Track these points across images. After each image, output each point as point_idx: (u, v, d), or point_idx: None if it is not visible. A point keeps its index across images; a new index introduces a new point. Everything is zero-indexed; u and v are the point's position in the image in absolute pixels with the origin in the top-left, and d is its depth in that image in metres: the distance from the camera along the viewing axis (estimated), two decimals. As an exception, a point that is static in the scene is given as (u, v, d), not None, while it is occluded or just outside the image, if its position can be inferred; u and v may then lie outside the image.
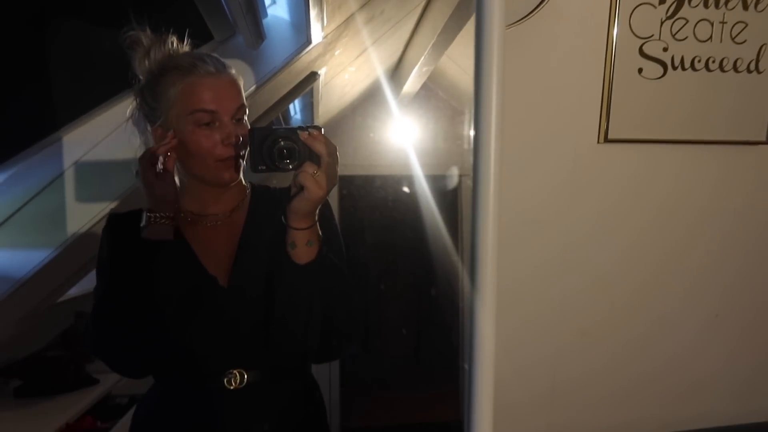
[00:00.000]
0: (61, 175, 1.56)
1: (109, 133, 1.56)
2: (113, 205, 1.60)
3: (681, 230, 1.39)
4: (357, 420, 3.69)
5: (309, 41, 1.71)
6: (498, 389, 1.33)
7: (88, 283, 1.90)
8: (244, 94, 1.08)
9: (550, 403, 1.36)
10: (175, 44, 1.07)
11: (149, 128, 1.08)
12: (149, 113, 1.07)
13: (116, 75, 1.52)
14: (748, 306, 1.47)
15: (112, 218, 1.12)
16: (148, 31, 1.06)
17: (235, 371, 1.06)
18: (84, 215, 1.59)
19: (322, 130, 0.96)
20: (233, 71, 1.06)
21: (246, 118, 1.07)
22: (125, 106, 1.52)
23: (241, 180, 1.11)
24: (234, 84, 1.05)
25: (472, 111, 0.61)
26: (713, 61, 1.29)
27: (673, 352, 1.43)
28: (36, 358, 1.99)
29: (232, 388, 1.06)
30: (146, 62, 1.05)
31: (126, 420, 1.86)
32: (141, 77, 1.07)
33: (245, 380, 1.06)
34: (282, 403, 1.11)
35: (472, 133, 0.61)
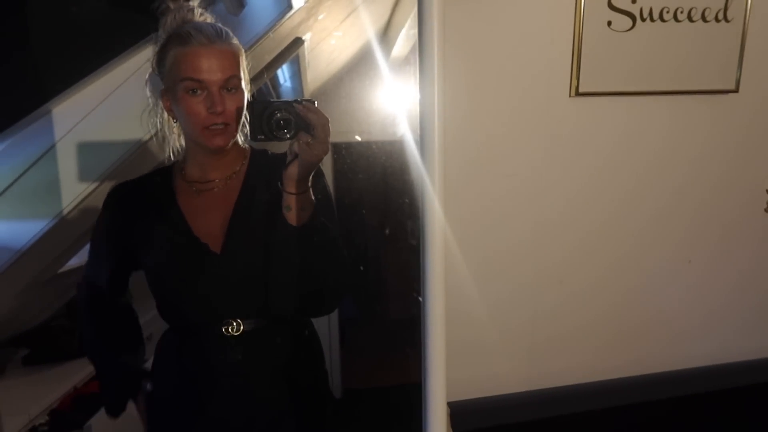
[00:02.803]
0: (53, 147, 1.59)
1: (99, 103, 1.59)
2: (107, 174, 1.63)
3: (652, 177, 1.43)
4: (359, 382, 3.77)
5: (290, 6, 1.72)
6: (477, 347, 1.39)
7: (87, 254, 1.94)
8: (242, 65, 1.14)
9: (528, 344, 1.42)
10: (193, 12, 1.15)
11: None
12: (159, 75, 1.15)
13: (103, 45, 1.54)
14: (714, 248, 1.52)
15: (114, 191, 1.22)
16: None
17: (232, 321, 1.16)
18: (79, 185, 1.63)
19: (316, 103, 1.05)
20: (233, 42, 1.13)
21: (244, 87, 1.14)
22: (114, 77, 1.57)
23: (239, 145, 1.17)
24: (227, 55, 1.11)
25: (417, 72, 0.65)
26: (681, 12, 1.31)
27: (640, 291, 1.49)
28: (42, 327, 2.06)
29: (229, 335, 1.15)
30: (166, 26, 1.13)
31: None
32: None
33: (242, 328, 1.16)
34: (278, 348, 1.21)
35: (418, 97, 0.65)
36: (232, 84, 1.10)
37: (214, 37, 1.10)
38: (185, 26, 1.11)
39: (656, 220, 1.45)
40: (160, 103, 1.17)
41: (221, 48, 1.10)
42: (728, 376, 1.52)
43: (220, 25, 1.14)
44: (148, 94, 1.21)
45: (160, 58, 1.13)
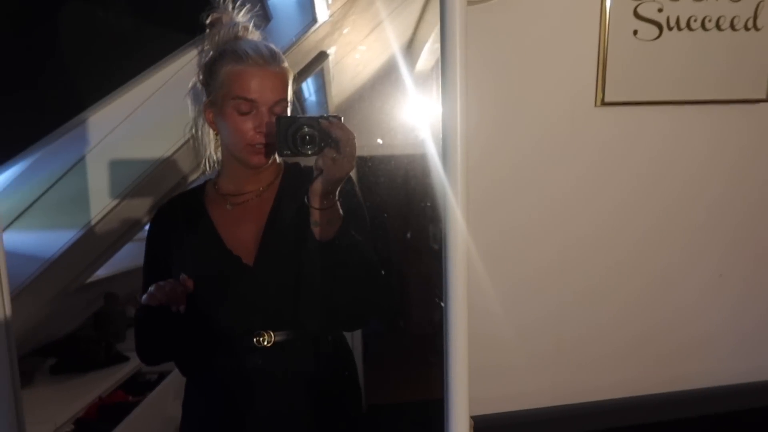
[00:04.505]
0: (83, 158, 1.62)
1: (127, 115, 1.62)
2: (136, 184, 1.66)
3: (681, 189, 1.40)
4: (383, 397, 3.73)
5: (315, 20, 1.74)
6: (501, 350, 1.37)
7: (115, 264, 1.97)
8: (290, 88, 1.17)
9: (554, 362, 1.39)
10: (246, 29, 1.18)
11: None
12: (205, 88, 1.18)
13: (131, 59, 1.57)
14: (749, 265, 1.47)
15: (156, 212, 1.27)
16: (230, 11, 1.18)
17: (263, 332, 1.16)
18: (107, 196, 1.65)
19: (342, 119, 1.06)
20: (285, 65, 1.16)
21: (289, 111, 1.17)
22: (143, 89, 1.59)
23: (275, 161, 1.20)
24: (281, 78, 1.15)
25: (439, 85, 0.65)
26: (709, 20, 1.29)
27: (675, 309, 1.44)
28: (69, 337, 2.09)
29: (261, 346, 1.16)
30: (216, 39, 1.16)
31: (155, 394, 1.95)
32: (211, 51, 1.17)
33: (273, 339, 1.17)
34: (310, 360, 1.21)
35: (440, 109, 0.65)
36: (280, 106, 1.14)
37: (270, 59, 1.13)
38: (239, 43, 1.14)
39: (691, 233, 1.42)
40: (202, 115, 1.19)
41: (275, 70, 1.13)
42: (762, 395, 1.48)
43: (273, 45, 1.17)
44: (190, 104, 1.23)
45: (210, 72, 1.15)
